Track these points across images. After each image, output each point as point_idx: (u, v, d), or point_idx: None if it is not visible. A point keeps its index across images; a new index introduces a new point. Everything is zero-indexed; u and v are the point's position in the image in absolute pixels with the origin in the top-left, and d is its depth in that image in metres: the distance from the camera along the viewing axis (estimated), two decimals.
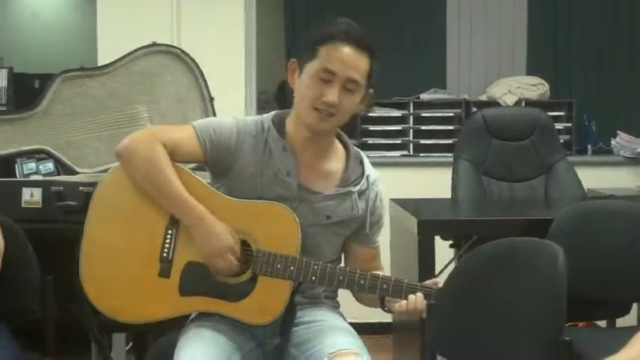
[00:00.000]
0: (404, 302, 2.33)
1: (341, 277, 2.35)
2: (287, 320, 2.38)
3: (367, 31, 2.42)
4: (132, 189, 2.40)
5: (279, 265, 2.33)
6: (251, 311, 2.35)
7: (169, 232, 2.39)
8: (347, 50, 2.33)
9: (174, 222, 2.39)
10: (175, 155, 2.38)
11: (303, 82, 2.37)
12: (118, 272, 2.41)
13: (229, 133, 2.40)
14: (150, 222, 2.40)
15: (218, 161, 2.41)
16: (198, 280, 2.37)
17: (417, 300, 2.33)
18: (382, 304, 2.41)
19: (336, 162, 2.48)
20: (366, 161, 2.52)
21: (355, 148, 2.53)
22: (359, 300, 2.55)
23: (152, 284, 2.38)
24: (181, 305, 2.39)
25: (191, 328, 2.38)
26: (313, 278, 2.34)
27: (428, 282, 2.39)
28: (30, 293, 2.79)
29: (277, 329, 2.39)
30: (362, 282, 2.34)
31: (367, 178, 2.48)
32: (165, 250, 2.38)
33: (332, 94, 2.32)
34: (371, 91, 2.43)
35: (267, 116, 2.48)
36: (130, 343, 3.63)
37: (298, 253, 2.34)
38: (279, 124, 2.44)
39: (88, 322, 3.20)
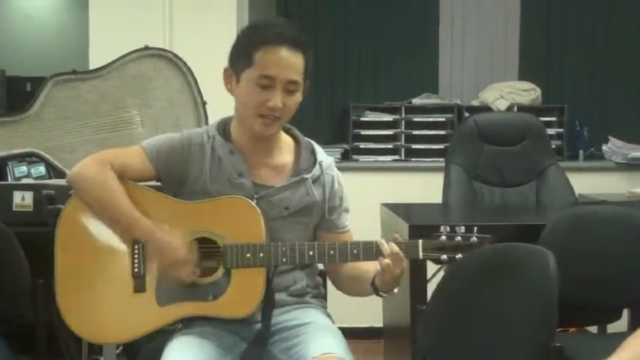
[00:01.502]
0: (387, 277, 2.29)
1: (311, 252, 2.35)
2: (268, 310, 2.38)
3: (296, 27, 2.41)
4: (92, 213, 2.41)
5: (248, 255, 2.33)
6: (231, 306, 2.35)
7: (136, 247, 2.39)
8: (282, 53, 2.32)
9: None
10: (126, 175, 2.39)
11: (242, 90, 2.36)
12: (94, 299, 2.41)
13: (177, 147, 2.42)
14: (115, 242, 2.41)
15: (170, 176, 2.42)
16: (173, 287, 2.37)
17: (387, 261, 2.29)
18: (375, 290, 2.38)
19: (286, 155, 2.49)
20: (318, 149, 2.52)
21: (306, 139, 2.53)
22: (349, 291, 2.54)
23: (130, 302, 2.39)
24: (162, 316, 2.38)
25: (177, 337, 2.38)
26: (284, 260, 2.34)
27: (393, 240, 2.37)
28: (21, 297, 2.78)
29: (260, 324, 2.38)
30: (332, 252, 2.35)
31: (320, 164, 2.48)
32: (136, 265, 2.39)
33: (275, 100, 2.32)
34: (307, 82, 2.42)
35: (212, 125, 2.49)
36: (121, 347, 3.62)
37: (264, 239, 2.34)
38: (224, 130, 2.45)
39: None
